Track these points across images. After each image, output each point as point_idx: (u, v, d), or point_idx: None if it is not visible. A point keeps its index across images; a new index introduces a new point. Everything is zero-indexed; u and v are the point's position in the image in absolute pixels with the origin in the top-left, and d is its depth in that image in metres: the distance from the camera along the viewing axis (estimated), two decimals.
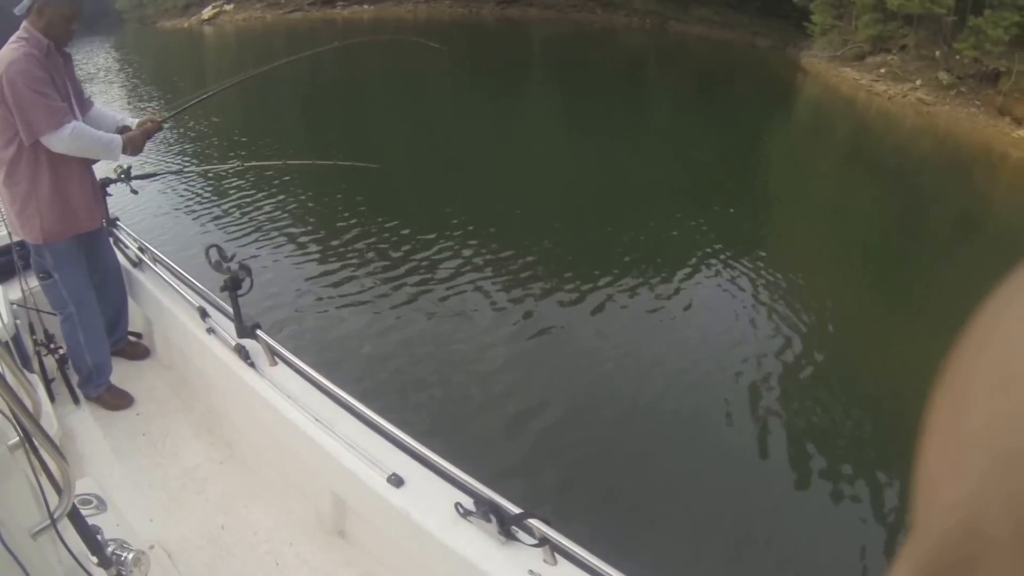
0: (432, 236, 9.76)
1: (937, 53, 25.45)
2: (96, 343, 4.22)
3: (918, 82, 25.46)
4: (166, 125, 4.34)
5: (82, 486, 3.42)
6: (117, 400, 4.33)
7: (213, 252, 3.54)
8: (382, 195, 10.97)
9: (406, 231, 9.84)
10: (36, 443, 2.11)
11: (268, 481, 3.88)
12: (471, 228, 10.34)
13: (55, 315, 4.21)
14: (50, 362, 4.23)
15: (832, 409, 7.22)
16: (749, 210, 13.78)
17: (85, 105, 4.13)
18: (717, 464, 6.05)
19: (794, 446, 6.42)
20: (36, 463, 2.13)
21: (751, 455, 6.25)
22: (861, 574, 5.22)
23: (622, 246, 10.37)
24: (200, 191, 9.78)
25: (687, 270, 9.76)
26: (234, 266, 3.54)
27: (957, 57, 24.84)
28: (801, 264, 11.36)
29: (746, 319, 8.65)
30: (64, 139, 3.71)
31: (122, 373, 4.48)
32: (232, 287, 3.54)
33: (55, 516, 2.13)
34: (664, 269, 9.76)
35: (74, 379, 4.30)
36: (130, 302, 4.62)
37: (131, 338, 4.75)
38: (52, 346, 4.20)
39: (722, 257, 10.32)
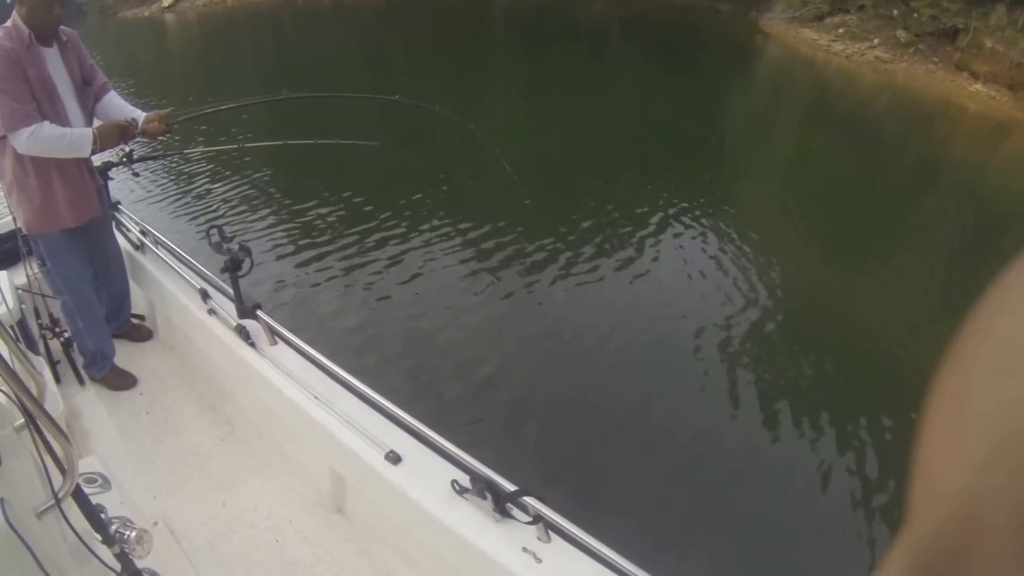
0: (423, 214, 9.78)
1: (895, 12, 25.63)
2: (94, 329, 4.23)
3: (876, 41, 25.73)
4: (165, 136, 4.16)
5: (87, 465, 3.45)
6: (120, 381, 4.35)
7: (214, 233, 3.55)
8: (382, 173, 10.93)
9: (407, 210, 9.81)
10: (40, 424, 2.10)
11: (268, 458, 3.90)
12: (447, 202, 10.38)
13: (55, 298, 4.21)
14: (55, 345, 4.26)
15: (798, 357, 7.41)
16: (713, 170, 13.92)
17: (89, 94, 3.99)
18: (683, 414, 6.23)
19: (763, 397, 6.58)
20: (40, 443, 2.13)
21: (718, 405, 6.41)
22: (828, 518, 5.39)
23: (587, 209, 10.43)
24: (201, 173, 9.71)
25: (652, 228, 9.86)
26: (234, 247, 3.54)
27: (915, 15, 25.09)
28: (766, 216, 11.67)
29: (713, 274, 8.82)
30: (22, 143, 3.57)
31: (125, 354, 4.52)
32: (232, 268, 3.54)
33: (59, 495, 2.14)
34: (630, 228, 9.81)
35: (79, 361, 4.33)
36: (132, 285, 4.63)
37: (134, 320, 4.76)
38: (57, 329, 4.23)
39: (689, 215, 10.46)
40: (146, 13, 38.48)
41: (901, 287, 10.27)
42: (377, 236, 8.94)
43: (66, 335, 4.24)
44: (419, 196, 10.34)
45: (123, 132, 3.91)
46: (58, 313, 4.26)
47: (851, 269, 10.35)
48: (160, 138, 4.11)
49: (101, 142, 3.80)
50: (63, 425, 2.23)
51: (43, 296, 4.28)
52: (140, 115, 4.04)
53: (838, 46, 26.44)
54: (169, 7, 38.46)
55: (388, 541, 3.35)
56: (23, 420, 2.15)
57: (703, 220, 10.36)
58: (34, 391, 2.14)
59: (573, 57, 22.31)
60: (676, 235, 9.78)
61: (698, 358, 6.96)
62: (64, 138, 3.64)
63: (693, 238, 9.77)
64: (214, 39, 31.29)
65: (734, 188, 13.26)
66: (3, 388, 2.25)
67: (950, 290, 10.52)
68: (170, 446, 4.00)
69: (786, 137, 17.99)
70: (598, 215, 10.23)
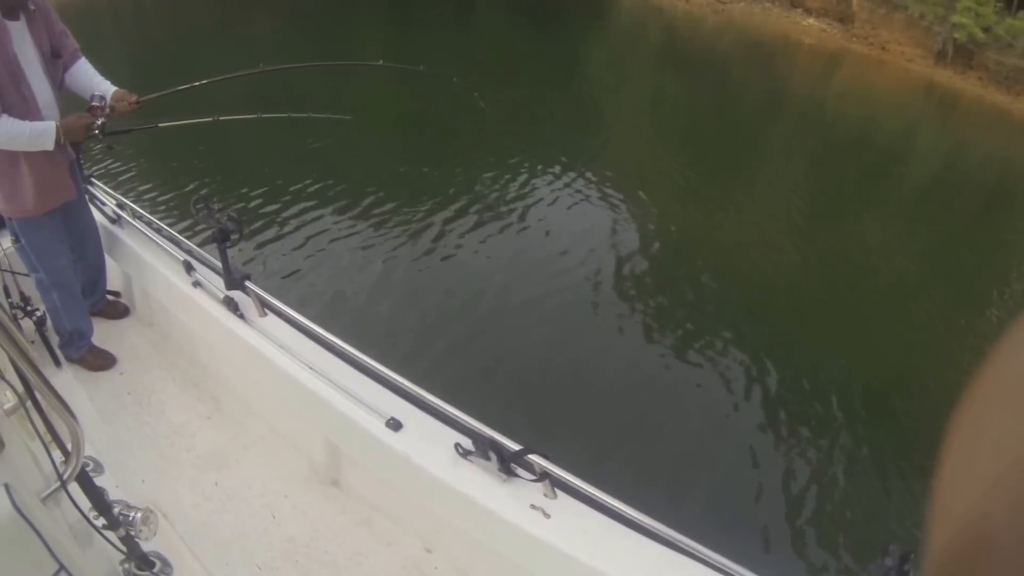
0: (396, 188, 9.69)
1: None
2: (72, 307, 3.94)
3: None
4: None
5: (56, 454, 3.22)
6: (99, 361, 4.08)
7: (201, 204, 3.35)
8: (353, 146, 10.78)
9: (371, 183, 9.67)
10: (42, 403, 1.98)
11: (258, 434, 3.77)
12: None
13: (29, 276, 3.88)
14: (28, 324, 3.91)
15: (676, 283, 8.15)
16: (578, 120, 14.07)
17: (59, 66, 3.62)
18: (581, 340, 6.82)
19: (645, 325, 7.18)
20: (42, 423, 2.01)
21: (606, 334, 6.97)
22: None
23: (459, 170, 10.58)
24: (176, 146, 9.44)
25: (534, 187, 10.08)
26: (223, 217, 3.33)
27: None
28: (634, 159, 12.29)
29: (590, 220, 9.25)
30: None
31: (102, 333, 4.25)
32: (221, 238, 3.36)
33: (65, 478, 2.02)
34: (511, 191, 9.96)
35: (54, 341, 4.00)
36: (108, 260, 4.33)
37: (109, 297, 4.45)
38: (29, 308, 3.88)
39: (565, 170, 10.72)
40: None
41: (759, 210, 10.98)
42: (342, 204, 8.92)
43: (38, 314, 3.91)
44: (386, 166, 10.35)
45: (88, 127, 3.57)
46: (31, 291, 3.93)
47: (715, 198, 11.04)
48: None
49: (65, 135, 3.47)
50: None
51: (13, 273, 3.93)
52: (109, 90, 3.71)
53: None
54: None
55: (387, 511, 3.32)
56: (16, 401, 2.01)
57: (577, 171, 10.67)
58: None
59: (438, 18, 21.85)
60: (557, 190, 10.05)
61: (594, 293, 7.49)
62: (23, 135, 3.32)
63: (573, 191, 10.05)
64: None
65: (599, 137, 13.48)
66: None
67: (801, 209, 11.28)
68: (155, 427, 3.80)
69: (643, 82, 18.54)
70: (470, 175, 10.37)
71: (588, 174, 10.59)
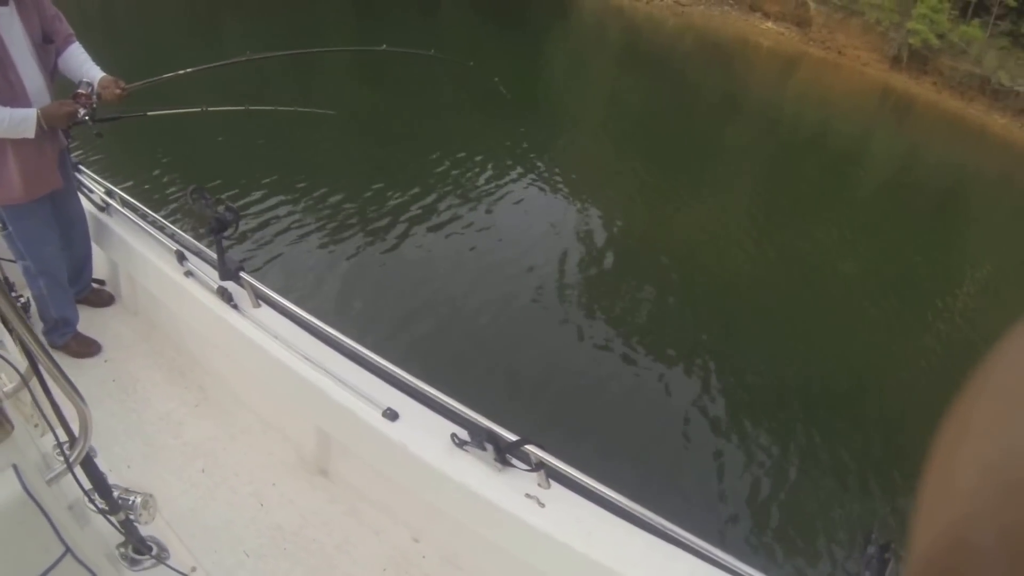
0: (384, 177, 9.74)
1: None
2: (58, 294, 3.87)
3: None
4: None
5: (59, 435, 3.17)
6: (84, 348, 4.01)
7: (197, 195, 3.31)
8: (339, 140, 10.72)
9: (354, 176, 9.78)
10: (48, 385, 1.93)
11: (246, 423, 3.74)
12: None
13: (15, 263, 3.80)
14: None
15: (635, 280, 8.35)
16: (540, 120, 14.21)
17: (51, 51, 3.53)
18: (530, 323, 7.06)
19: (600, 326, 7.30)
20: (48, 406, 1.97)
21: (565, 335, 7.05)
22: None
23: (430, 164, 10.56)
24: (166, 135, 9.23)
25: (498, 184, 10.14)
26: (220, 209, 3.30)
27: None
28: (594, 156, 12.56)
29: (549, 219, 9.35)
30: None
31: (87, 321, 4.16)
32: (218, 228, 3.32)
33: (71, 460, 2.00)
34: (473, 180, 10.11)
35: (38, 327, 3.92)
36: (94, 248, 4.24)
37: (94, 285, 4.37)
38: (13, 295, 3.79)
39: (527, 167, 10.83)
40: None
41: (717, 209, 11.17)
42: (331, 195, 8.91)
43: (22, 300, 3.84)
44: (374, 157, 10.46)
45: (70, 115, 3.49)
46: (15, 277, 3.85)
47: (675, 197, 11.29)
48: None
49: (47, 122, 3.38)
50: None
51: None
52: (98, 76, 3.63)
53: None
54: None
55: (377, 500, 3.31)
56: (20, 381, 1.96)
57: (540, 167, 10.81)
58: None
59: (404, 17, 21.73)
60: (523, 187, 10.16)
61: (545, 293, 7.62)
62: (2, 122, 3.24)
63: (537, 187, 10.20)
64: None
65: (562, 135, 13.64)
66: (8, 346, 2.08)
67: (759, 209, 11.45)
68: (141, 414, 3.74)
69: (604, 82, 18.69)
70: (444, 166, 10.40)
71: (554, 170, 10.70)
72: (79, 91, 3.58)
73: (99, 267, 4.42)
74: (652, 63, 21.33)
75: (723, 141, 15.45)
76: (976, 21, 23.50)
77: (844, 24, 25.19)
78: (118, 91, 3.59)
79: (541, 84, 16.76)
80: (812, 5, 25.91)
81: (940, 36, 22.86)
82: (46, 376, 1.90)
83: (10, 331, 1.85)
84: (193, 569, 2.81)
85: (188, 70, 4.03)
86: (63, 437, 2.03)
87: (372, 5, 22.00)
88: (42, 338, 2.04)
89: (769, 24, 26.85)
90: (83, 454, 2.02)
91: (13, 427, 1.82)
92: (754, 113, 18.44)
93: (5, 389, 2.00)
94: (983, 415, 0.30)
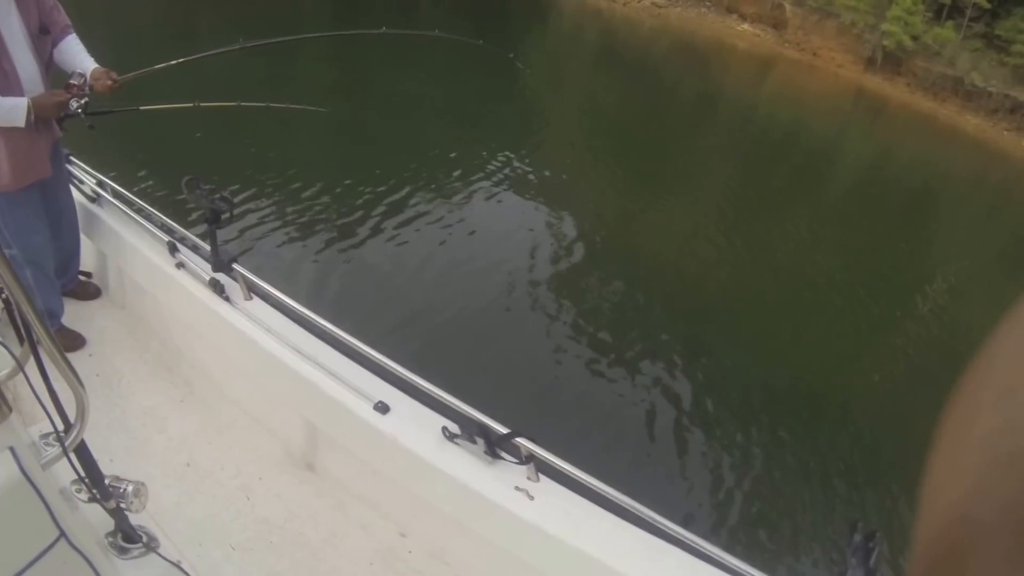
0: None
1: None
2: (44, 287, 3.79)
3: None
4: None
5: (43, 427, 3.10)
6: (68, 341, 3.92)
7: (191, 183, 3.24)
8: (328, 135, 10.80)
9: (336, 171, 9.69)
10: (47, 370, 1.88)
11: (231, 418, 3.68)
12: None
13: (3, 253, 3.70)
14: None
15: (607, 278, 8.35)
16: (521, 120, 14.33)
17: (47, 42, 3.48)
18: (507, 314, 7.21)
19: (569, 324, 7.32)
20: (45, 389, 1.89)
21: (536, 315, 7.27)
22: None
23: (407, 167, 10.48)
24: (158, 128, 9.04)
25: (473, 184, 10.15)
26: (214, 197, 3.23)
27: None
28: (571, 156, 12.49)
29: (523, 219, 9.38)
30: None
31: (72, 314, 4.07)
32: (212, 219, 3.26)
33: (67, 444, 1.95)
34: (453, 182, 10.09)
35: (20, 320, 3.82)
36: (83, 240, 4.15)
37: (81, 278, 4.27)
38: None
39: (504, 164, 10.89)
40: None
41: (692, 207, 11.25)
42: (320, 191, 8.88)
43: (6, 294, 3.74)
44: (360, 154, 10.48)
45: (60, 105, 3.43)
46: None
47: (649, 195, 11.37)
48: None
49: (36, 112, 3.32)
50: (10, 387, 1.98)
51: None
52: (91, 67, 3.57)
53: None
54: None
55: (362, 495, 3.29)
56: (15, 365, 1.91)
57: (520, 166, 10.85)
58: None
59: (385, 17, 21.64)
60: (496, 186, 10.16)
61: (516, 297, 7.62)
62: None
63: (512, 184, 10.24)
64: None
65: (541, 135, 13.63)
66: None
67: (733, 207, 11.56)
68: (125, 408, 3.66)
69: (582, 83, 18.81)
70: (417, 167, 10.31)
71: (519, 169, 10.74)
72: (71, 81, 3.53)
73: (86, 259, 4.33)
74: (629, 64, 21.46)
75: (698, 141, 15.59)
76: (950, 23, 23.81)
77: (820, 26, 25.45)
78: (109, 82, 3.53)
79: (519, 84, 16.73)
80: (788, 7, 26.16)
81: (914, 38, 23.13)
82: (44, 359, 1.84)
83: (10, 312, 1.80)
84: (179, 562, 2.76)
85: (180, 60, 3.95)
86: (58, 421, 1.97)
87: (352, 5, 22.00)
88: (45, 320, 2.00)
89: (745, 26, 27.10)
90: (79, 439, 1.98)
91: (11, 410, 1.77)
92: (729, 113, 18.63)
93: (6, 371, 1.94)
94: (985, 393, 0.30)
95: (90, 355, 3.94)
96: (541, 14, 26.05)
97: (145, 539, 2.64)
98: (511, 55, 6.72)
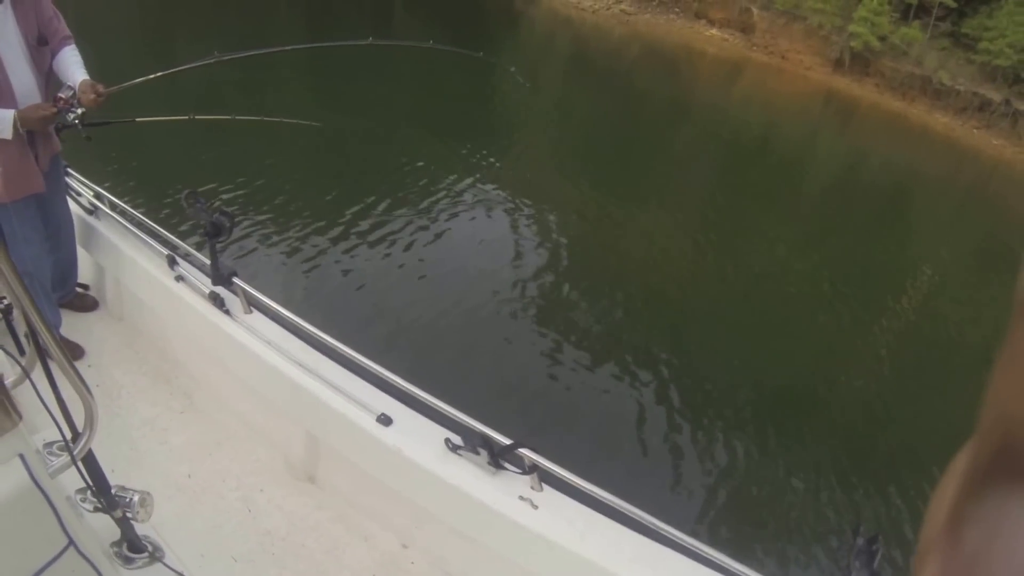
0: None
1: None
2: (41, 297, 3.77)
3: None
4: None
5: (47, 435, 3.11)
6: (67, 351, 3.89)
7: (191, 198, 3.28)
8: (322, 150, 10.69)
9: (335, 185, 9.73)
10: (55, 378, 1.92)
11: (232, 429, 3.71)
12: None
13: None
14: None
15: (585, 288, 8.41)
16: (495, 132, 14.31)
17: (46, 53, 3.47)
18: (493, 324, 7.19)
19: (549, 315, 7.52)
20: (53, 398, 1.93)
21: (521, 322, 7.34)
22: None
23: (392, 177, 10.52)
24: (154, 142, 9.01)
25: (440, 197, 10.09)
26: (215, 213, 3.27)
27: None
28: (543, 166, 12.49)
29: (498, 230, 9.44)
30: None
31: (69, 326, 4.09)
32: (213, 233, 3.29)
33: (76, 453, 1.96)
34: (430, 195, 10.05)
35: (21, 330, 3.81)
36: (80, 252, 4.17)
37: (78, 289, 4.28)
38: None
39: (479, 175, 10.90)
40: None
41: (666, 214, 11.34)
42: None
43: (5, 302, 3.74)
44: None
45: (45, 119, 3.40)
46: None
47: (623, 203, 11.30)
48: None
49: (23, 125, 3.30)
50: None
51: None
52: (80, 81, 3.53)
53: (588, 2, 28.03)
54: None
55: (364, 507, 3.32)
56: (21, 373, 1.96)
57: (489, 179, 10.82)
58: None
59: (359, 24, 21.60)
60: (471, 198, 10.11)
61: (500, 305, 7.63)
62: None
63: (481, 198, 10.17)
64: None
65: (511, 143, 13.71)
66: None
67: (707, 212, 11.69)
68: (125, 419, 3.68)
69: (552, 91, 18.78)
70: (399, 178, 10.33)
71: (488, 183, 10.71)
72: (59, 95, 3.50)
73: (84, 271, 4.34)
74: (599, 72, 21.52)
75: (670, 146, 15.70)
76: (916, 23, 24.08)
77: (787, 29, 25.67)
78: (93, 96, 3.48)
79: (489, 92, 16.74)
80: (755, 11, 26.38)
81: (881, 38, 23.38)
82: (52, 367, 1.88)
83: (8, 320, 1.82)
84: (182, 573, 2.77)
85: (159, 74, 3.96)
86: (67, 429, 1.99)
87: (327, 14, 21.94)
88: (53, 330, 2.01)
89: (714, 31, 27.30)
90: (88, 447, 1.99)
91: (20, 418, 1.79)
92: (700, 118, 18.75)
93: (11, 379, 1.97)
94: None
95: (89, 366, 3.95)
96: (512, 21, 26.16)
97: (151, 549, 2.66)
98: (512, 69, 6.69)
